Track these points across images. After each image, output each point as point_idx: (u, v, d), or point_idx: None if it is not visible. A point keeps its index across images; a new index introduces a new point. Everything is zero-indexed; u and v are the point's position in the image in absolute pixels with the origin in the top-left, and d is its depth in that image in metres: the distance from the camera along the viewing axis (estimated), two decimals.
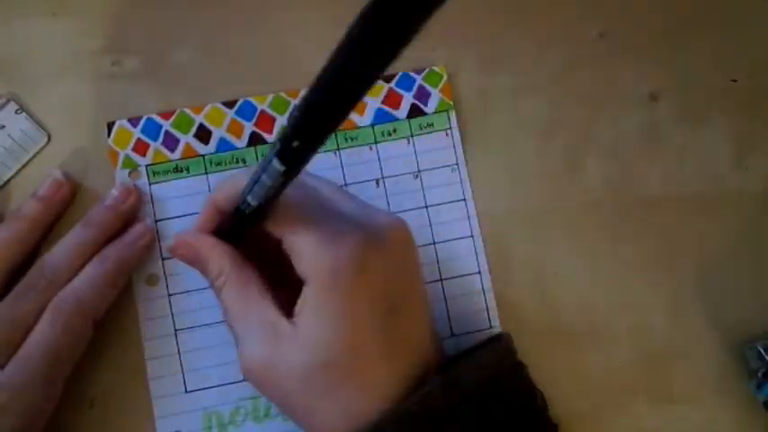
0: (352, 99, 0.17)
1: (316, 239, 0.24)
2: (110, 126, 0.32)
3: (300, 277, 0.25)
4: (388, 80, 0.33)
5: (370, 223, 0.25)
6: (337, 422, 0.24)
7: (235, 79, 0.33)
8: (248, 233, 0.26)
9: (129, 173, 0.32)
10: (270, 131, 0.33)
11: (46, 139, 0.32)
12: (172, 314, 0.31)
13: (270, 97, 0.33)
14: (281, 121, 0.33)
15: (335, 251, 0.24)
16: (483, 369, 0.25)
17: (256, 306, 0.25)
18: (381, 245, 0.25)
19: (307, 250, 0.24)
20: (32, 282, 0.28)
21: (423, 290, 0.27)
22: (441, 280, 0.32)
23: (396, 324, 0.25)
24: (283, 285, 0.26)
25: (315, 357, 0.24)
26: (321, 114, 0.18)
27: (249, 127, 0.33)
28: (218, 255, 0.27)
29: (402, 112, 0.33)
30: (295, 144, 0.19)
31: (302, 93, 0.17)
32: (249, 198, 0.23)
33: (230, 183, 0.26)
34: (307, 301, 0.24)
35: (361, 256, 0.24)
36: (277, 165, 0.20)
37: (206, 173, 0.32)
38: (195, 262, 0.28)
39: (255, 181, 0.22)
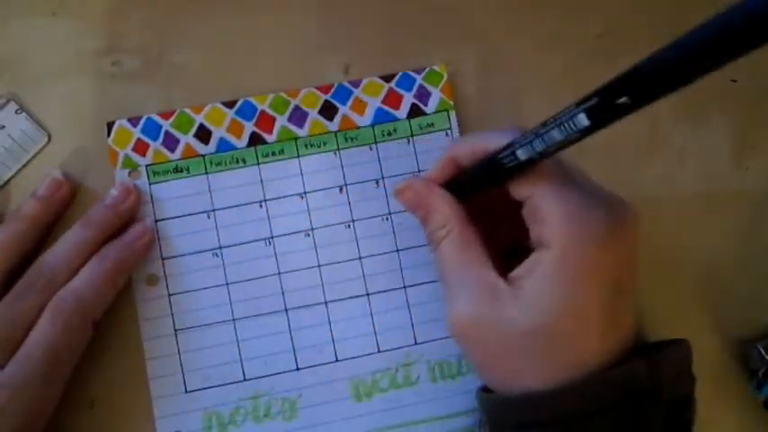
0: (710, 66, 0.17)
1: (567, 208, 0.24)
2: (110, 126, 0.32)
3: (536, 241, 0.25)
4: (388, 80, 0.33)
5: (614, 202, 0.25)
6: (535, 386, 0.24)
7: (235, 79, 0.33)
8: (480, 192, 0.27)
9: (129, 173, 0.32)
10: (270, 131, 0.33)
11: (46, 139, 0.32)
12: (172, 314, 0.31)
13: (270, 97, 0.33)
14: (282, 121, 0.33)
15: (586, 223, 0.24)
16: (677, 365, 0.25)
17: (476, 264, 0.26)
18: (625, 226, 0.25)
19: (555, 216, 0.24)
20: (32, 281, 0.28)
21: (638, 279, 0.27)
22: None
23: (619, 303, 0.25)
24: (496, 250, 0.26)
25: (536, 320, 0.24)
26: (673, 76, 0.18)
27: (249, 127, 0.33)
28: (446, 206, 0.27)
29: (402, 112, 0.33)
30: (622, 100, 0.18)
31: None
32: (519, 152, 0.23)
33: (475, 139, 0.27)
34: (539, 265, 0.24)
35: (608, 234, 0.24)
36: (583, 120, 0.19)
37: (206, 173, 0.32)
38: (419, 208, 0.28)
39: (537, 135, 0.22)
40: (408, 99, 0.33)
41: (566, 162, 0.26)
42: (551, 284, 0.24)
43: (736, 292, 0.33)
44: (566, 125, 0.21)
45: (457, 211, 0.27)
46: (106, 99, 0.32)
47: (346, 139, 0.33)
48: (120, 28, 0.33)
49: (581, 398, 0.24)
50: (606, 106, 0.19)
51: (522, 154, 0.23)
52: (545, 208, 0.24)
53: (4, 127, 0.32)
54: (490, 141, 0.26)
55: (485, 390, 0.27)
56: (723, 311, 0.33)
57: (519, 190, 0.25)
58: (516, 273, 0.25)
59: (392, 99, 0.33)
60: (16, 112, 0.32)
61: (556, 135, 0.21)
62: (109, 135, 0.32)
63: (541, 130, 0.22)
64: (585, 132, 0.20)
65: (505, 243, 0.27)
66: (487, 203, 0.27)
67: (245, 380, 0.31)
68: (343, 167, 0.33)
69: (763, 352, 0.31)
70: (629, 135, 0.34)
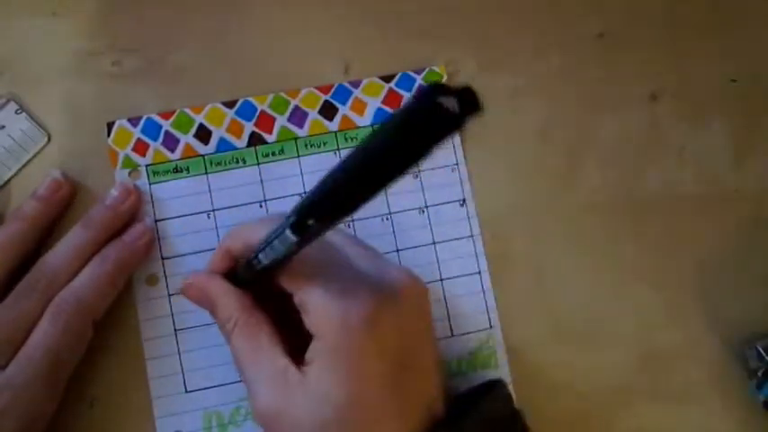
0: (373, 192, 0.17)
1: (327, 296, 0.24)
2: (109, 126, 0.32)
3: (312, 332, 0.25)
4: (388, 80, 0.33)
5: (383, 279, 0.25)
6: None
7: (235, 79, 0.33)
8: (259, 282, 0.27)
9: (129, 173, 0.32)
10: (270, 131, 0.33)
11: (46, 139, 0.32)
12: (172, 314, 0.31)
13: (270, 97, 0.33)
14: (282, 121, 0.33)
15: (345, 308, 0.24)
16: (486, 422, 0.25)
17: (266, 353, 0.25)
18: (394, 302, 0.25)
19: (317, 307, 0.24)
20: (32, 282, 0.28)
21: (434, 344, 0.27)
22: (441, 280, 0.32)
23: (406, 380, 0.24)
24: (294, 329, 0.26)
25: (323, 412, 0.24)
26: (340, 201, 0.18)
27: (249, 127, 0.33)
28: (229, 300, 0.27)
29: None
30: (310, 222, 0.19)
31: (327, 171, 0.17)
32: (261, 256, 0.23)
33: (244, 231, 0.27)
34: (316, 356, 0.24)
35: (373, 314, 0.24)
36: (290, 235, 0.20)
37: (206, 173, 0.32)
38: (205, 305, 0.28)
39: (268, 243, 0.22)
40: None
41: (327, 245, 0.26)
42: (329, 375, 0.24)
43: (736, 292, 0.33)
44: (281, 238, 0.21)
45: (240, 302, 0.27)
46: (106, 99, 0.32)
47: (346, 139, 0.33)
48: (120, 28, 0.33)
49: None
50: (301, 224, 0.19)
51: (263, 258, 0.23)
52: (308, 299, 0.24)
53: (4, 127, 0.32)
54: (255, 234, 0.25)
55: None
56: (723, 311, 0.33)
57: (286, 284, 0.25)
58: (306, 357, 0.25)
59: (392, 99, 0.33)
60: (16, 112, 0.32)
61: (278, 246, 0.21)
62: (109, 135, 0.32)
63: (271, 236, 0.22)
64: (299, 245, 0.20)
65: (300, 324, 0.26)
66: (271, 285, 0.26)
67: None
68: None
69: (762, 352, 0.31)
70: (629, 135, 0.34)
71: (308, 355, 0.25)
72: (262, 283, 0.27)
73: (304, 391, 0.24)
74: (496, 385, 0.27)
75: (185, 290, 0.29)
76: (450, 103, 0.14)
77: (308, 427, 0.24)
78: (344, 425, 0.24)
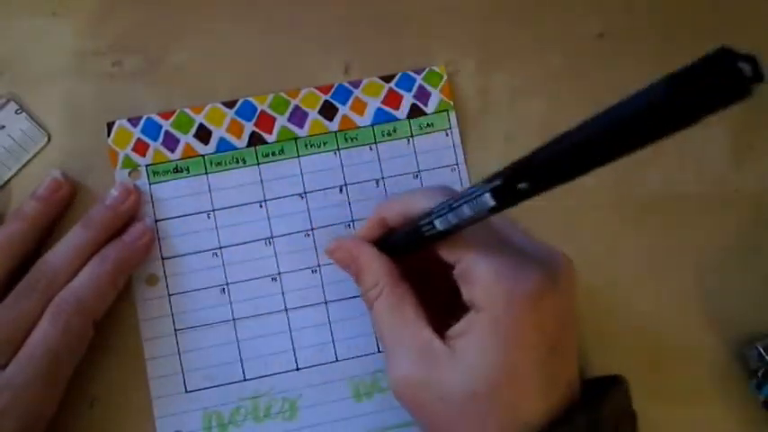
0: (602, 162, 0.16)
1: (494, 269, 0.24)
2: (109, 126, 0.32)
3: (469, 304, 0.24)
4: (388, 80, 0.33)
5: (544, 258, 0.25)
6: None
7: (235, 79, 0.33)
8: (408, 253, 0.27)
9: (129, 173, 0.32)
10: (270, 131, 0.33)
11: (46, 139, 0.32)
12: (172, 314, 0.31)
13: (270, 97, 0.33)
14: (282, 121, 0.33)
15: (513, 282, 0.24)
16: (617, 411, 0.25)
17: (411, 324, 0.25)
18: (556, 281, 0.24)
19: (484, 278, 0.24)
20: (32, 282, 0.28)
21: (576, 332, 0.26)
22: None
23: (556, 362, 0.24)
24: (432, 306, 0.26)
25: (473, 384, 0.24)
26: (567, 166, 0.17)
27: (249, 127, 0.33)
28: (377, 266, 0.27)
29: (402, 112, 0.33)
30: (522, 186, 0.18)
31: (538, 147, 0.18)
32: (437, 222, 0.23)
33: (403, 201, 0.27)
34: (473, 328, 0.24)
35: (539, 290, 0.24)
36: (488, 200, 0.20)
37: (206, 173, 0.32)
38: (350, 269, 0.28)
39: (451, 208, 0.22)
40: (408, 99, 0.33)
41: (496, 221, 0.26)
42: (484, 347, 0.24)
43: (736, 292, 0.33)
44: (474, 202, 0.21)
45: (388, 270, 0.27)
46: (106, 99, 0.32)
47: (346, 140, 0.33)
48: (120, 28, 0.33)
49: None
50: (508, 189, 0.19)
51: (439, 225, 0.23)
52: (474, 270, 0.24)
53: (4, 127, 0.32)
54: (416, 204, 0.25)
55: None
56: (723, 311, 0.33)
57: (447, 253, 0.25)
58: (452, 332, 0.25)
59: (392, 99, 0.33)
60: (16, 112, 0.32)
61: (466, 211, 0.21)
62: (109, 135, 0.32)
63: (455, 203, 0.22)
64: (493, 210, 0.20)
65: (442, 299, 0.27)
66: (423, 260, 0.27)
67: (245, 380, 0.31)
68: (343, 167, 0.33)
69: (763, 352, 0.31)
70: None
71: (459, 327, 0.24)
72: (408, 256, 0.27)
73: (454, 362, 0.24)
74: (621, 380, 0.27)
75: (332, 251, 0.29)
76: (747, 69, 0.13)
77: (456, 397, 0.24)
78: (494, 397, 0.24)
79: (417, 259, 0.27)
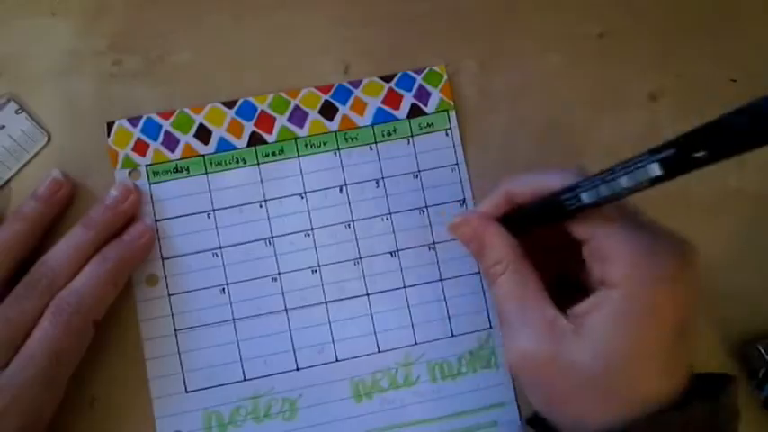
0: None
1: (633, 247, 0.24)
2: (109, 126, 0.32)
3: (600, 282, 0.25)
4: (388, 80, 0.33)
5: (677, 243, 0.25)
6: (594, 421, 0.24)
7: (235, 79, 0.33)
8: (536, 229, 0.27)
9: (129, 173, 0.32)
10: (270, 131, 0.33)
11: (46, 139, 0.32)
12: (172, 314, 0.31)
13: (270, 97, 0.33)
14: (282, 121, 0.33)
15: (653, 264, 0.24)
16: (732, 407, 0.25)
17: (534, 301, 0.26)
18: (688, 267, 0.24)
19: (621, 256, 0.24)
20: (33, 282, 0.28)
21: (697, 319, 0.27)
22: (441, 280, 0.32)
23: (681, 344, 0.24)
24: (547, 286, 0.26)
25: (601, 360, 0.24)
26: (749, 136, 0.18)
27: (249, 127, 0.33)
28: (502, 243, 0.27)
29: (402, 112, 0.33)
30: (699, 154, 0.18)
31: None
32: (584, 195, 0.23)
33: (532, 178, 0.27)
34: (603, 305, 0.24)
35: (677, 273, 0.24)
36: (655, 169, 0.20)
37: (206, 173, 0.32)
38: (473, 244, 0.28)
39: (604, 180, 0.22)
40: (408, 99, 0.33)
41: (628, 205, 0.26)
42: (616, 324, 0.24)
43: (736, 292, 0.33)
44: (636, 173, 0.21)
45: (513, 247, 0.27)
46: (106, 99, 0.32)
47: (346, 139, 0.33)
48: (120, 28, 0.33)
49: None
50: (683, 158, 0.19)
51: (586, 198, 0.23)
52: (611, 247, 0.24)
53: (4, 127, 0.32)
54: (549, 182, 0.26)
55: (530, 423, 0.27)
56: (723, 311, 0.33)
57: (581, 230, 0.25)
58: (578, 310, 0.25)
59: (392, 99, 0.33)
60: (16, 112, 0.32)
61: (624, 182, 0.22)
62: (109, 135, 0.32)
63: (608, 176, 0.22)
64: (656, 181, 0.20)
65: (553, 276, 0.27)
66: (536, 237, 0.27)
67: (245, 380, 0.31)
68: (343, 167, 0.33)
69: (763, 352, 0.31)
70: (629, 135, 0.34)
71: (587, 305, 0.24)
72: (526, 237, 0.27)
73: (581, 338, 0.24)
74: (734, 378, 0.27)
75: (456, 227, 0.29)
76: None
77: (581, 372, 0.24)
78: (619, 374, 0.24)
79: (531, 237, 0.27)
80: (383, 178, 0.33)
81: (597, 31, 0.35)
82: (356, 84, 0.33)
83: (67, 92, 0.32)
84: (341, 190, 0.32)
